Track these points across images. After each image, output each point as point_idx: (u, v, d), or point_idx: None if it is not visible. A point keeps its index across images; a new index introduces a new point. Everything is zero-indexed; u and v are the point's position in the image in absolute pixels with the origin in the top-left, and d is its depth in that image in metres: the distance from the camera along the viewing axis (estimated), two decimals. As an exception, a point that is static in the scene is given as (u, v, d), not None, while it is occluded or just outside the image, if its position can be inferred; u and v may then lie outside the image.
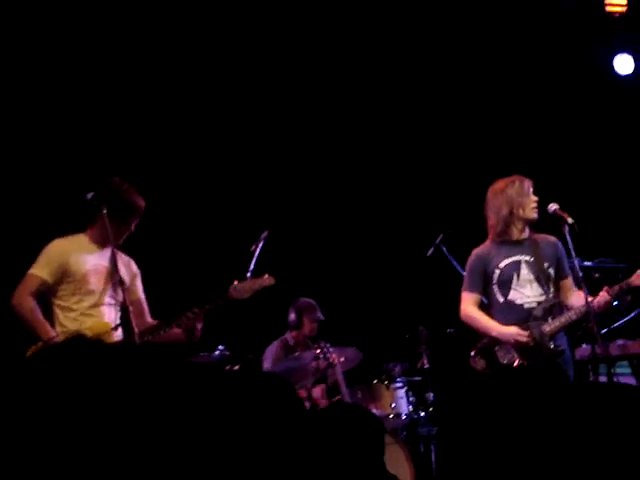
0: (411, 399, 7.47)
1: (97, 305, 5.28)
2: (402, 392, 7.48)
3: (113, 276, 5.30)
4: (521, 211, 5.74)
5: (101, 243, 5.35)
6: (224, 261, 7.55)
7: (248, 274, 6.49)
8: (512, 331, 5.60)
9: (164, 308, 5.59)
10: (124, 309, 5.24)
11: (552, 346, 5.65)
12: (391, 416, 7.32)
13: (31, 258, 5.32)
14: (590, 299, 5.50)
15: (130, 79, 7.96)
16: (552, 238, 5.83)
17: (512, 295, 5.71)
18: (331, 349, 7.13)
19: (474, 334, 5.86)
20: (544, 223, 5.93)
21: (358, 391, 7.47)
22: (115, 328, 5.21)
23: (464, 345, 6.15)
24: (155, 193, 7.93)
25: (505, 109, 8.87)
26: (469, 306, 5.79)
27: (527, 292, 5.71)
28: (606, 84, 8.74)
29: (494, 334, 5.65)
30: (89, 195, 5.20)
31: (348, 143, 8.89)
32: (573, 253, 5.64)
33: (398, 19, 8.48)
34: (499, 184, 5.85)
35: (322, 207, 8.73)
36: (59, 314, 5.25)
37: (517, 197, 5.73)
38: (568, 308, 5.75)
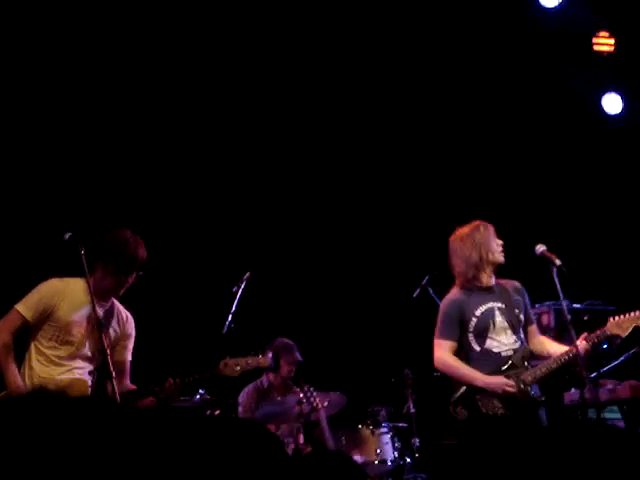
0: (397, 445, 7.33)
1: (71, 357, 5.08)
2: (387, 437, 7.33)
3: (99, 333, 5.02)
4: (490, 255, 5.66)
5: (98, 293, 5.09)
6: (206, 302, 7.47)
7: (230, 316, 6.43)
8: (500, 381, 5.49)
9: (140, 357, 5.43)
10: (103, 370, 4.96)
11: (533, 395, 5.57)
12: (376, 462, 7.17)
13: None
14: (577, 344, 5.44)
15: (122, 97, 7.91)
16: (517, 283, 5.79)
17: (489, 344, 5.60)
18: (315, 393, 6.99)
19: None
20: (531, 265, 5.87)
21: (342, 436, 7.32)
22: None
23: (451, 389, 6.05)
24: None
25: (492, 149, 8.84)
26: (445, 353, 5.65)
27: (503, 340, 5.62)
28: (595, 123, 8.72)
29: (479, 384, 5.52)
30: (67, 235, 5.07)
31: (331, 184, 8.83)
32: (561, 295, 5.57)
33: (399, 24, 8.43)
34: (463, 230, 5.79)
35: (306, 248, 8.66)
36: (32, 353, 5.08)
37: (485, 242, 5.67)
38: (544, 356, 5.69)
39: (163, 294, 7.84)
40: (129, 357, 5.34)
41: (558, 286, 5.55)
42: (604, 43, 8.37)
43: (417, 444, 7.22)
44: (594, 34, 8.46)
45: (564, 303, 5.64)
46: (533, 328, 5.81)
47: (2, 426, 1.71)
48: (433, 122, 8.85)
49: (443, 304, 5.81)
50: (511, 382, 5.49)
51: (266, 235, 8.48)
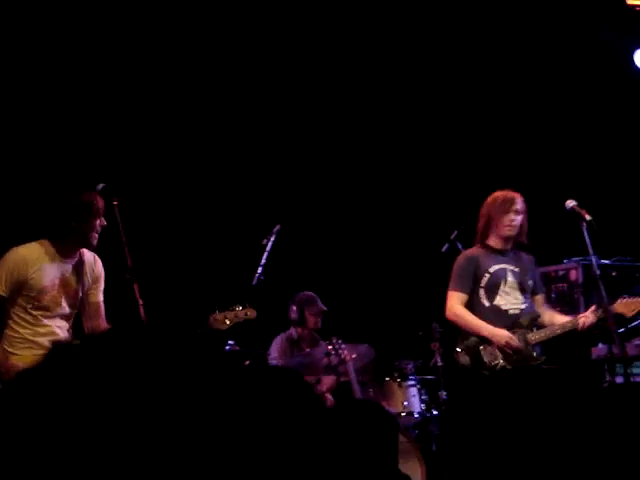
0: (424, 397, 7.39)
1: (51, 317, 5.09)
2: (414, 390, 7.39)
3: (71, 288, 5.13)
4: (494, 227, 5.95)
5: (67, 251, 5.13)
6: (236, 254, 7.51)
7: (260, 269, 6.46)
8: (504, 334, 5.79)
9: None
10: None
11: (534, 354, 5.86)
12: (403, 414, 7.23)
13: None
14: (580, 317, 5.84)
15: (131, 87, 7.90)
16: (530, 255, 6.09)
17: (498, 300, 5.91)
18: (343, 345, 7.04)
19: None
20: (562, 219, 5.91)
21: (370, 388, 7.39)
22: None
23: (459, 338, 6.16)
24: (165, 187, 7.98)
25: (523, 105, 8.77)
26: (457, 304, 5.97)
27: (512, 299, 5.91)
28: (626, 78, 8.63)
29: (485, 333, 5.83)
30: (100, 186, 5.13)
31: (362, 139, 8.82)
32: (591, 250, 5.61)
33: (411, 19, 8.39)
34: (491, 196, 6.06)
35: (335, 202, 8.65)
36: (11, 324, 5.08)
37: (495, 213, 5.93)
38: (549, 322, 5.97)
39: (194, 247, 7.90)
40: (101, 297, 5.33)
41: (588, 241, 5.61)
42: (638, -3, 8.24)
43: (444, 397, 7.27)
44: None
45: (593, 259, 5.66)
46: (540, 298, 6.12)
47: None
48: (464, 79, 8.78)
49: (459, 258, 6.14)
50: (515, 337, 5.78)
51: (296, 188, 8.48)
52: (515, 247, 6.04)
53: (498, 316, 5.88)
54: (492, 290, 5.92)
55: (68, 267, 5.16)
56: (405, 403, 7.31)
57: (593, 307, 5.84)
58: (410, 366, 7.56)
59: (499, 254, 5.98)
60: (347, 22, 8.33)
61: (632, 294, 6.17)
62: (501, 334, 5.78)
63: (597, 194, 7.21)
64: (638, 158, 8.62)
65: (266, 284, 6.55)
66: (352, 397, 6.97)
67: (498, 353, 5.82)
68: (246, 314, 5.35)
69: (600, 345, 6.78)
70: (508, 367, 5.78)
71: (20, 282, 5.03)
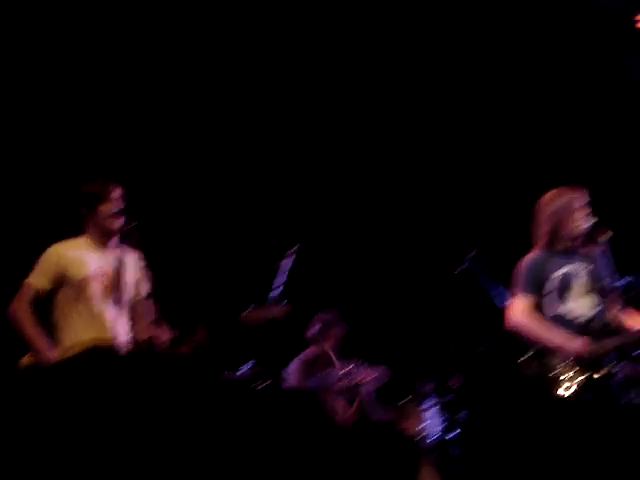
0: (443, 418, 7.36)
1: (100, 311, 5.12)
2: (433, 411, 7.37)
3: (118, 278, 5.20)
4: (564, 227, 5.53)
5: (102, 243, 5.25)
6: (256, 274, 7.52)
7: (280, 288, 6.45)
8: (579, 342, 5.31)
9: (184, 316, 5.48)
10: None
11: (609, 365, 5.40)
12: (422, 436, 7.21)
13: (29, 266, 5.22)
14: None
15: (132, 95, 7.94)
16: (604, 249, 5.55)
17: (567, 306, 5.47)
18: (360, 367, 7.02)
19: (509, 351, 5.70)
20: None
21: (388, 410, 7.36)
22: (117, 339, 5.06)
23: (496, 363, 6.05)
24: (184, 207, 8.02)
25: (537, 123, 8.79)
26: (522, 310, 5.45)
27: (583, 304, 5.49)
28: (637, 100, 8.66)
29: (557, 342, 5.34)
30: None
31: (381, 163, 8.84)
32: (611, 269, 5.52)
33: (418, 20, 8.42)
34: (547, 197, 5.65)
35: (355, 223, 8.67)
36: (59, 321, 5.13)
37: (561, 214, 5.54)
38: (621, 328, 5.47)
39: (214, 267, 7.92)
40: (148, 288, 5.42)
41: (609, 260, 5.51)
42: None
43: (463, 418, 7.24)
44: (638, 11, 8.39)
45: (612, 277, 5.60)
46: (614, 297, 5.59)
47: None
48: (483, 95, 8.80)
49: (523, 262, 5.60)
50: (591, 346, 5.31)
51: (315, 209, 8.51)
52: (581, 246, 5.58)
53: (567, 323, 5.40)
54: (560, 296, 5.47)
55: (109, 258, 5.24)
56: (424, 425, 7.29)
57: None
58: (428, 387, 7.53)
59: (566, 256, 5.52)
60: (348, 30, 8.33)
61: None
62: (574, 343, 5.29)
63: (618, 210, 7.18)
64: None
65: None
66: (369, 419, 6.96)
67: (570, 364, 5.32)
68: (275, 312, 5.31)
69: (623, 363, 6.70)
70: (581, 379, 5.27)
71: (60, 274, 5.11)
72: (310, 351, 7.54)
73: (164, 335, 5.17)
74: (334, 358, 7.48)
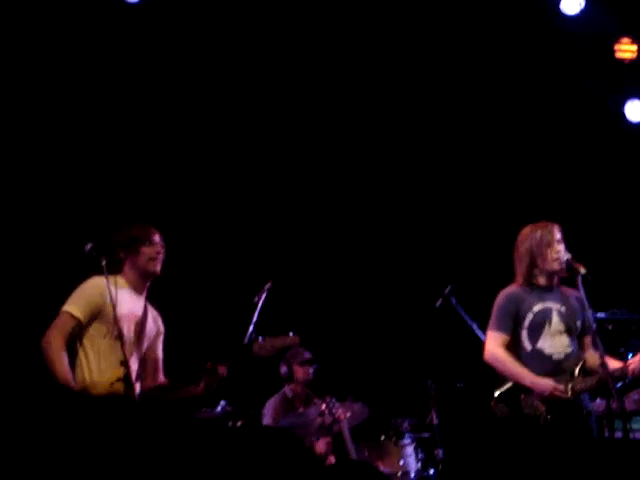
0: (420, 456, 7.30)
1: (126, 353, 4.96)
2: (411, 449, 7.31)
3: (142, 327, 5.18)
4: (541, 262, 5.55)
5: (137, 286, 5.23)
6: (228, 312, 7.46)
7: (251, 326, 6.39)
8: (549, 384, 5.34)
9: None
10: (127, 368, 4.94)
11: (582, 406, 5.45)
12: (399, 473, 7.16)
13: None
14: (629, 363, 5.42)
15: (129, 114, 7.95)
16: (579, 293, 5.50)
17: (541, 344, 5.47)
18: (337, 404, 6.95)
19: (485, 388, 5.66)
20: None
21: (365, 448, 7.28)
22: (114, 384, 4.98)
23: (474, 399, 5.98)
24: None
25: (516, 156, 8.81)
26: (497, 347, 5.48)
27: (557, 342, 5.48)
28: (617, 130, 8.68)
29: (527, 383, 5.36)
30: (88, 246, 5.07)
31: (354, 194, 8.82)
32: (586, 304, 5.50)
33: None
34: (523, 232, 5.69)
35: (328, 258, 8.64)
36: (81, 355, 5.04)
37: (537, 248, 5.55)
38: (595, 370, 5.48)
39: (185, 305, 7.84)
40: (161, 355, 5.37)
41: (583, 295, 5.49)
42: (626, 50, 8.33)
43: (441, 455, 7.17)
44: (616, 41, 8.43)
45: (589, 313, 5.57)
46: (589, 340, 5.61)
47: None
48: (452, 134, 8.83)
49: (499, 297, 5.64)
50: (560, 387, 5.35)
51: (287, 245, 8.48)
52: (560, 283, 5.62)
53: (541, 361, 5.42)
54: (535, 332, 5.46)
55: (141, 305, 5.24)
56: (401, 462, 7.24)
57: None
58: (405, 424, 7.48)
59: (544, 292, 5.56)
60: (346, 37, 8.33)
61: (628, 347, 6.09)
62: (545, 384, 5.31)
63: (590, 246, 7.17)
64: (631, 210, 8.64)
65: (251, 349, 6.48)
66: (347, 457, 6.87)
67: (540, 404, 5.34)
68: (286, 340, 5.23)
69: (598, 400, 6.68)
70: (549, 418, 5.31)
71: (98, 307, 5.04)
72: (289, 388, 7.48)
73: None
74: (312, 395, 7.42)
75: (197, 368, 5.11)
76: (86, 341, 5.06)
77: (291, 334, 5.27)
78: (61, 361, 4.91)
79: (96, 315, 5.04)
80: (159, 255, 5.23)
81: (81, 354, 5.04)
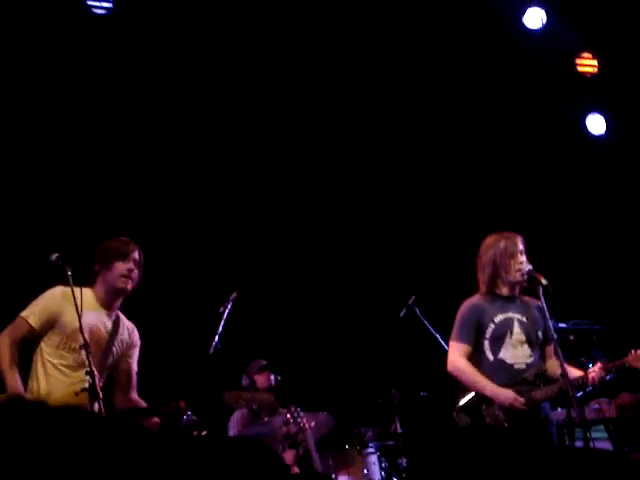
0: (384, 465, 7.33)
1: (78, 367, 4.99)
2: (374, 457, 7.33)
3: (105, 341, 5.13)
4: (504, 273, 5.60)
5: (107, 301, 5.18)
6: (193, 322, 7.46)
7: (216, 337, 6.40)
8: (509, 395, 5.39)
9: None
10: (93, 378, 4.84)
11: (542, 415, 5.50)
12: (364, 483, 7.16)
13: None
14: (590, 371, 5.47)
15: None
16: (539, 302, 5.56)
17: (503, 354, 5.53)
18: (302, 414, 6.96)
19: (449, 397, 5.71)
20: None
21: (329, 457, 7.30)
22: (78, 393, 4.96)
23: (437, 409, 6.02)
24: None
25: (479, 168, 8.89)
26: (460, 358, 5.53)
27: (518, 352, 5.53)
28: (579, 144, 8.79)
29: (488, 393, 5.42)
30: (53, 256, 5.06)
31: (317, 203, 8.86)
32: (547, 315, 5.55)
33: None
34: (487, 241, 5.73)
35: (292, 268, 8.67)
36: (37, 364, 5.04)
37: (501, 258, 5.59)
38: (557, 379, 5.52)
39: (150, 314, 7.83)
40: (135, 367, 5.36)
41: (544, 306, 5.55)
42: (587, 64, 8.45)
43: (404, 464, 7.21)
44: (577, 55, 8.55)
45: (551, 323, 5.63)
46: (550, 349, 5.64)
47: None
48: (417, 146, 8.90)
49: (462, 307, 5.68)
50: (520, 398, 5.39)
51: (252, 255, 8.49)
52: (521, 293, 5.67)
53: (502, 371, 5.47)
54: (497, 342, 5.51)
55: (106, 321, 5.18)
56: (365, 471, 7.24)
57: (601, 363, 5.53)
58: (370, 433, 7.51)
59: (506, 302, 5.60)
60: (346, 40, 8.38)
61: (589, 357, 6.17)
62: (505, 395, 5.36)
63: (550, 257, 7.26)
64: (591, 221, 8.75)
65: (223, 352, 6.49)
66: (311, 469, 6.89)
67: (501, 414, 5.39)
68: (263, 399, 5.29)
69: (559, 409, 6.76)
70: (509, 427, 5.34)
71: (54, 316, 5.03)
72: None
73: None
74: (277, 405, 7.42)
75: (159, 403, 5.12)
76: (43, 350, 5.05)
77: (268, 395, 5.30)
78: (8, 364, 4.90)
79: (52, 324, 5.03)
80: (131, 273, 5.17)
81: (39, 365, 5.04)
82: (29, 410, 1.96)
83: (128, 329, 5.33)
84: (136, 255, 5.22)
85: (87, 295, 5.04)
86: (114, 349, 5.20)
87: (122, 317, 5.31)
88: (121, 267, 5.14)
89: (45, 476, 1.81)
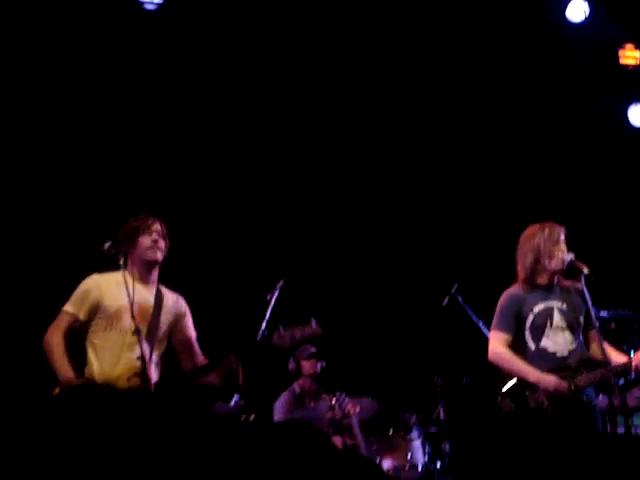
0: (427, 450, 7.41)
1: (131, 344, 5.08)
2: (418, 443, 7.41)
3: (153, 316, 5.22)
4: (547, 261, 5.63)
5: (143, 276, 5.27)
6: (240, 309, 7.57)
7: (264, 323, 6.50)
8: (552, 380, 5.43)
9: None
10: (144, 363, 4.99)
11: (585, 399, 5.53)
12: (407, 467, 7.25)
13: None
14: (634, 357, 5.48)
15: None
16: (580, 286, 5.58)
17: (544, 342, 5.57)
18: (347, 399, 7.06)
19: (491, 384, 5.78)
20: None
21: (374, 442, 7.39)
22: (130, 379, 5.05)
23: (480, 395, 6.08)
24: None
25: (521, 158, 8.91)
26: (501, 346, 5.58)
27: (559, 340, 5.57)
28: (621, 135, 8.78)
29: (532, 379, 5.46)
30: (107, 245, 5.20)
31: (363, 194, 8.93)
32: (590, 303, 5.59)
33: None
34: (529, 230, 5.77)
35: (339, 256, 8.74)
36: (90, 352, 5.12)
37: (544, 246, 5.63)
38: (601, 363, 5.51)
39: (198, 302, 7.97)
40: (193, 334, 5.44)
41: (587, 294, 5.59)
42: (630, 56, 8.45)
43: (448, 449, 7.30)
44: (620, 47, 8.54)
45: (592, 311, 5.67)
46: (593, 333, 5.62)
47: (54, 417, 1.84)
48: (459, 137, 8.94)
49: (502, 297, 5.73)
50: (564, 383, 5.43)
51: (299, 244, 8.60)
52: (561, 280, 5.70)
53: (545, 359, 5.50)
54: (537, 332, 5.56)
55: (147, 295, 5.27)
56: (409, 456, 7.32)
57: None
58: (413, 418, 7.56)
59: (545, 291, 5.64)
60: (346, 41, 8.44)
61: (630, 346, 6.20)
62: (548, 380, 5.41)
63: (594, 246, 7.30)
64: (632, 211, 8.74)
65: (270, 340, 6.59)
66: (357, 450, 7.00)
67: (545, 400, 5.42)
68: (307, 331, 5.28)
69: (600, 396, 6.81)
70: (554, 413, 5.38)
71: (95, 303, 5.14)
72: (297, 384, 7.59)
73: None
74: (322, 390, 7.51)
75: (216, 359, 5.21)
76: (92, 338, 5.15)
77: (314, 323, 5.28)
78: (58, 355, 5.02)
79: (96, 310, 5.14)
80: (157, 243, 5.26)
81: (90, 351, 5.13)
82: (100, 394, 2.10)
83: (172, 299, 5.40)
84: (157, 226, 5.32)
85: (121, 275, 5.11)
86: (162, 319, 5.27)
87: (164, 289, 5.38)
88: (145, 241, 5.25)
89: (115, 450, 1.95)
